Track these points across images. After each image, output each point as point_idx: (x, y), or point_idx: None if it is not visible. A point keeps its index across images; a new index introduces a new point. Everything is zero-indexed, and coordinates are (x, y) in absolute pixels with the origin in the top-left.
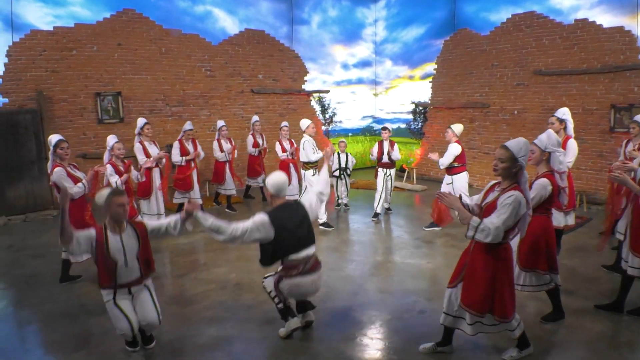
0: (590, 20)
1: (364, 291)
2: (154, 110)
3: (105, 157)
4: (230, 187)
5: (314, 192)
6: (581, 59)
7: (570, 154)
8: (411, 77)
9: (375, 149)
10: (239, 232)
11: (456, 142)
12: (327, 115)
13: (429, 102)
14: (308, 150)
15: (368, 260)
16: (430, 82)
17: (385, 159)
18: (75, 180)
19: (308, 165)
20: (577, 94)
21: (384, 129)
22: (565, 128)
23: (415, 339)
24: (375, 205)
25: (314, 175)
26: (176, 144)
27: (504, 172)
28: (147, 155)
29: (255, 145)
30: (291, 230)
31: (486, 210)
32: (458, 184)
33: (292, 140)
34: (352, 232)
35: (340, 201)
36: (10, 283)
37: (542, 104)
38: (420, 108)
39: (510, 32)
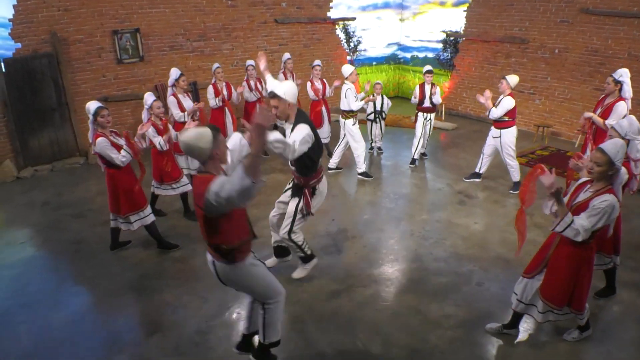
0: None
1: (419, 258)
2: (174, 46)
3: (144, 116)
4: None
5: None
6: (632, 0)
7: (614, 117)
8: (442, 3)
9: (416, 91)
10: (294, 148)
11: (510, 95)
12: (351, 44)
13: (462, 32)
14: (350, 99)
15: (415, 220)
16: (464, 10)
17: (426, 102)
18: (119, 148)
19: (349, 114)
20: (624, 38)
21: (429, 72)
22: (620, 89)
23: (478, 315)
24: (413, 151)
25: (354, 124)
26: (210, 89)
27: (600, 175)
28: (182, 109)
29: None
30: (317, 134)
31: (576, 209)
32: (506, 139)
33: (324, 80)
34: (391, 182)
35: (373, 144)
36: (57, 251)
37: (586, 45)
38: (452, 38)
39: None
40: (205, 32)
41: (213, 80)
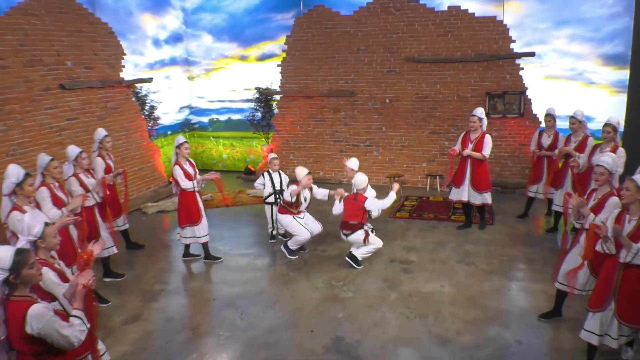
0: (463, 8)
1: (445, 341)
2: None
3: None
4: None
5: None
6: (455, 47)
7: (487, 148)
8: (244, 58)
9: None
10: None
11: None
12: (145, 112)
13: (279, 89)
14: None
15: (390, 302)
16: (278, 65)
17: None
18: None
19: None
20: (451, 81)
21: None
22: (482, 125)
23: None
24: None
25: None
26: (44, 193)
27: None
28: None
29: (108, 170)
30: None
31: (633, 236)
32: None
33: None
34: (320, 267)
35: (275, 232)
36: None
37: (416, 92)
38: (263, 97)
39: (378, 14)
40: None
41: (39, 180)
